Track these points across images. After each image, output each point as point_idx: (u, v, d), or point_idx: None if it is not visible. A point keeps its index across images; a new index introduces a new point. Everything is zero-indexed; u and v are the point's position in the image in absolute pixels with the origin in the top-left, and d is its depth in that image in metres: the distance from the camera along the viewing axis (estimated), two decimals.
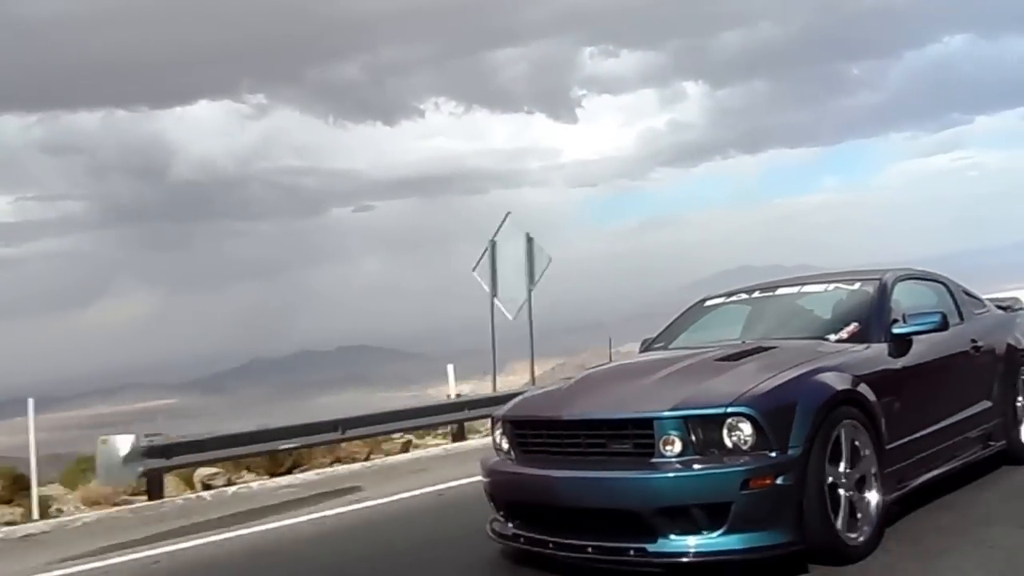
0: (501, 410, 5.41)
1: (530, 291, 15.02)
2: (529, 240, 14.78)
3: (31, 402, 10.15)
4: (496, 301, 15.18)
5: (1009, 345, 6.50)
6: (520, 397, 5.72)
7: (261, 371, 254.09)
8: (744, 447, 4.14)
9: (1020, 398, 6.46)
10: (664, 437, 4.27)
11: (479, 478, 5.41)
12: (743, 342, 5.56)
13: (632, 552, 4.25)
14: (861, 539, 4.44)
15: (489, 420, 5.76)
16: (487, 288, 15.07)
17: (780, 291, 6.48)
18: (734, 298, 6.69)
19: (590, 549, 4.41)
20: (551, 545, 4.61)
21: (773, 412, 4.21)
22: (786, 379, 4.46)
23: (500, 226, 14.97)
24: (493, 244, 14.91)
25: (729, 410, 4.21)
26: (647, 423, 4.34)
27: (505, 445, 5.13)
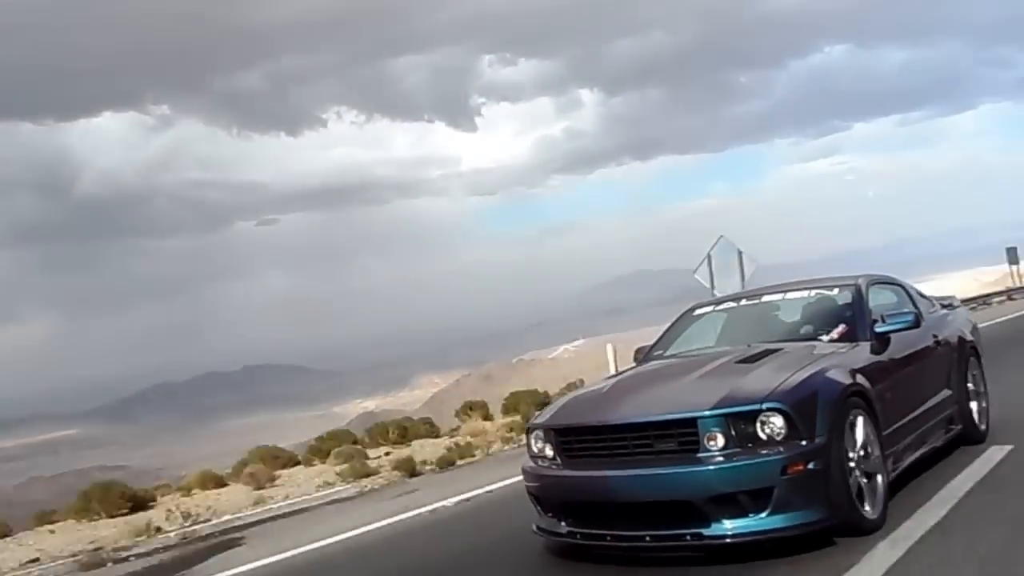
0: (539, 419, 5.92)
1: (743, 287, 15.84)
2: (739, 252, 16.20)
3: None
4: (715, 293, 15.73)
5: (960, 338, 7.29)
6: (556, 406, 6.07)
7: (166, 395, 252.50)
8: (778, 438, 4.65)
9: (970, 384, 7.13)
10: (707, 433, 4.73)
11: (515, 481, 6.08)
12: (748, 346, 5.94)
13: (689, 537, 4.71)
14: (875, 514, 4.96)
15: (525, 430, 6.26)
16: (708, 286, 16.11)
17: (766, 298, 7.05)
18: (722, 306, 7.27)
19: (648, 538, 4.86)
20: (608, 538, 5.08)
21: (800, 405, 4.72)
22: (805, 376, 4.99)
23: (715, 244, 16.43)
24: (709, 257, 16.32)
25: (764, 406, 4.70)
26: (691, 422, 4.79)
27: (549, 452, 5.46)
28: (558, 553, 5.49)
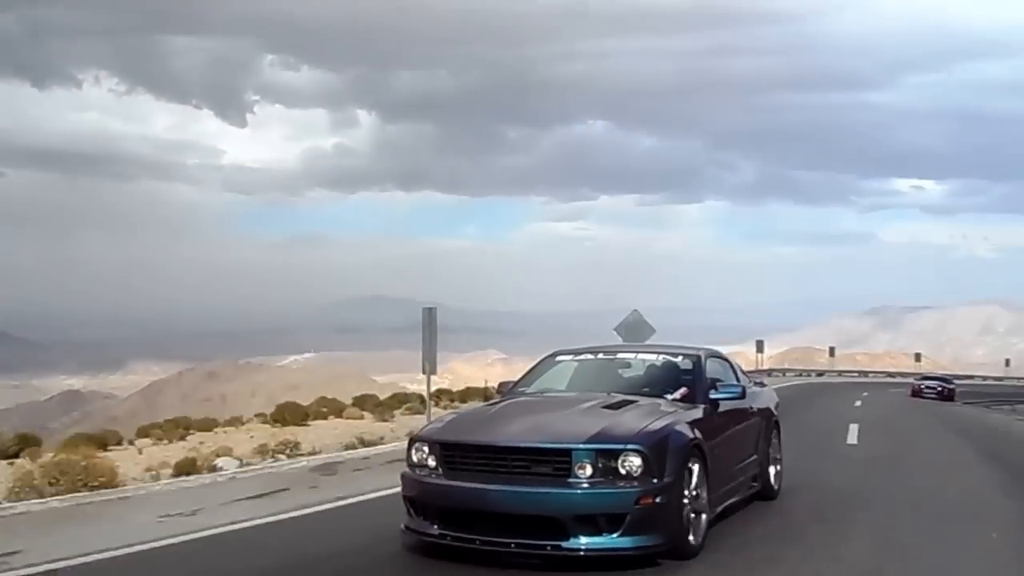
0: (425, 433, 6.47)
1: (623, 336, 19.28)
2: (636, 313, 19.50)
3: None
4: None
5: (768, 412, 8.52)
6: (442, 422, 6.73)
7: None
8: (635, 474, 5.48)
9: (771, 452, 8.35)
10: (579, 463, 5.53)
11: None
12: (609, 394, 6.73)
13: (549, 548, 5.48)
14: (698, 542, 5.95)
15: (408, 441, 6.50)
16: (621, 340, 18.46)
17: (620, 355, 8.15)
18: (581, 356, 7.99)
19: (513, 545, 5.54)
20: (478, 542, 5.65)
21: (655, 449, 5.60)
22: (660, 426, 5.90)
23: (631, 313, 19.71)
24: (627, 321, 19.75)
25: (627, 447, 5.55)
26: (567, 452, 5.60)
27: (432, 463, 6.03)
28: (425, 552, 6.00)
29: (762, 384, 9.20)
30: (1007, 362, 71.58)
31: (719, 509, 6.58)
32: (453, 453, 6.02)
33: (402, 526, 6.22)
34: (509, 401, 7.08)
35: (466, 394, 28.59)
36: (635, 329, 19.63)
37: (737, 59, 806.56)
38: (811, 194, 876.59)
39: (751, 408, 7.93)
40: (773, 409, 8.79)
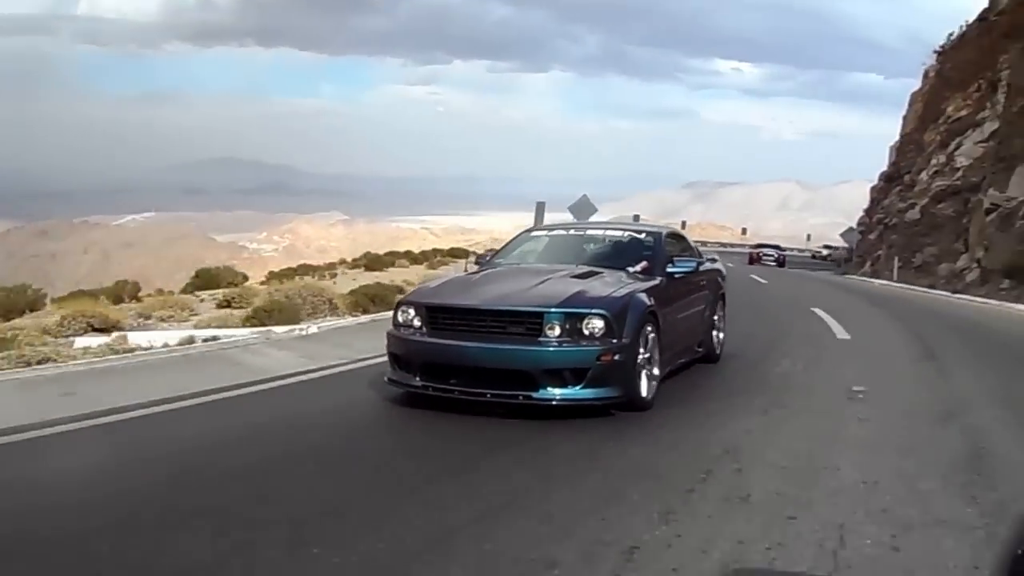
0: (412, 297, 6.99)
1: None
2: (584, 196, 23.41)
3: None
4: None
5: (716, 284, 9.17)
6: (429, 288, 7.25)
7: None
8: (597, 335, 6.02)
9: (716, 319, 8.96)
10: (548, 324, 6.05)
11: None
12: (577, 266, 7.33)
13: (521, 397, 5.97)
14: (649, 397, 6.43)
15: (396, 303, 6.99)
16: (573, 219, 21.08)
17: (589, 231, 8.82)
18: (554, 232, 8.91)
19: (488, 395, 6.02)
20: (456, 392, 6.14)
21: (617, 314, 6.12)
22: (621, 294, 6.42)
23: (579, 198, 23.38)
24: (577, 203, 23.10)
25: (592, 311, 6.08)
26: (539, 315, 6.10)
27: (417, 323, 6.53)
28: (408, 402, 6.42)
29: (714, 260, 9.85)
30: (808, 237, 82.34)
31: (668, 369, 7.17)
32: (437, 314, 6.55)
33: (386, 378, 6.73)
34: (488, 271, 7.69)
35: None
36: (582, 209, 23.70)
37: None
38: (645, 69, 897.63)
39: (702, 282, 8.62)
40: (720, 282, 9.56)
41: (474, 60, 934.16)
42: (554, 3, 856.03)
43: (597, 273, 7.13)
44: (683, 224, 58.70)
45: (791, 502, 4.28)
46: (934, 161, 35.78)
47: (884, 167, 46.23)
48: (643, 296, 6.66)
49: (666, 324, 6.92)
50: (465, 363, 6.22)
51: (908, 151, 40.74)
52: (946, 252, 29.94)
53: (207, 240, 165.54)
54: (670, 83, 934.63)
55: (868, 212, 46.24)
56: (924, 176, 36.24)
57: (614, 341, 6.10)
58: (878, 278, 33.38)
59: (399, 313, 6.78)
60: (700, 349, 8.51)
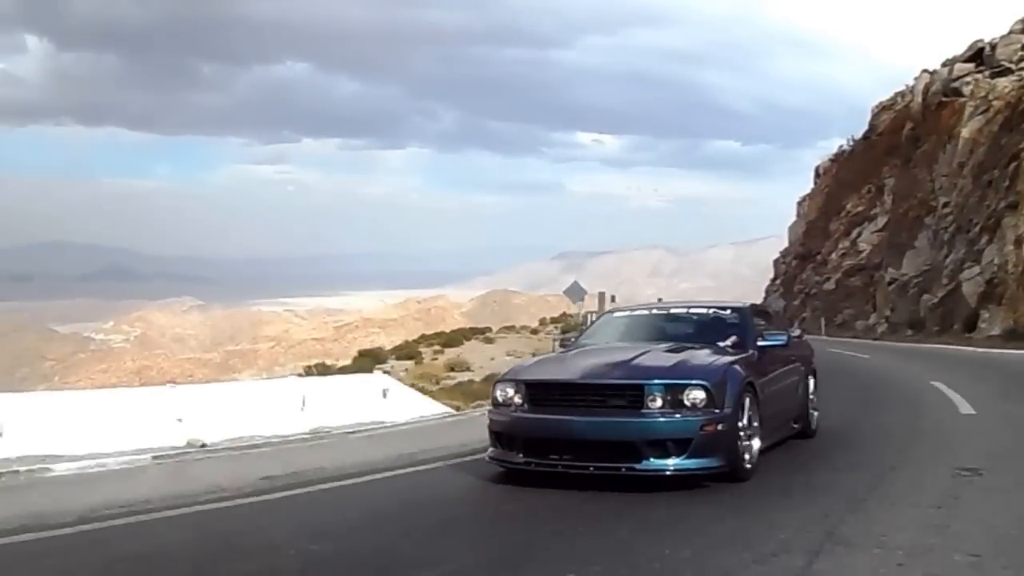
0: (510, 375, 7.25)
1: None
2: (575, 283, 30.34)
3: None
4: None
5: (807, 359, 9.22)
6: (524, 366, 7.68)
7: None
8: (699, 405, 6.22)
9: (811, 396, 9.00)
10: (650, 396, 6.26)
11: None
12: (666, 343, 7.52)
13: (624, 469, 6.18)
14: (751, 467, 6.58)
15: (495, 382, 7.41)
16: (573, 304, 29.56)
17: (673, 310, 8.96)
18: (636, 312, 9.06)
19: (592, 468, 6.27)
20: (559, 467, 6.39)
21: (716, 385, 6.33)
22: (719, 365, 6.68)
23: (572, 283, 30.04)
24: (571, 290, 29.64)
25: (693, 381, 6.30)
26: (640, 387, 6.34)
27: (518, 400, 6.79)
28: (511, 479, 6.67)
29: (800, 336, 9.84)
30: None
31: (768, 443, 7.19)
32: (537, 391, 6.82)
33: (487, 457, 7.04)
34: (580, 349, 7.97)
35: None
36: (574, 293, 28.46)
37: (432, 10, 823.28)
38: (506, 144, 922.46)
39: (793, 356, 8.63)
40: (811, 358, 9.52)
41: (324, 138, 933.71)
42: (405, 79, 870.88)
43: (690, 348, 7.28)
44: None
45: None
46: (841, 245, 47.16)
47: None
48: (740, 367, 6.85)
49: (763, 396, 7.03)
50: (568, 437, 6.44)
51: (814, 235, 52.95)
52: (859, 312, 41.65)
53: (47, 331, 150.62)
54: (533, 156, 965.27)
55: (783, 283, 58.52)
56: (834, 256, 47.71)
57: (716, 411, 6.29)
58: (808, 335, 42.02)
59: (498, 391, 7.04)
60: (796, 425, 8.56)
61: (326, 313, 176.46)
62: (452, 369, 32.47)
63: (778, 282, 61.21)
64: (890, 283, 37.19)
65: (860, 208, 46.32)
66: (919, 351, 23.69)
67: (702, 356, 7.00)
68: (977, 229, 28.82)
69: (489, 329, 54.88)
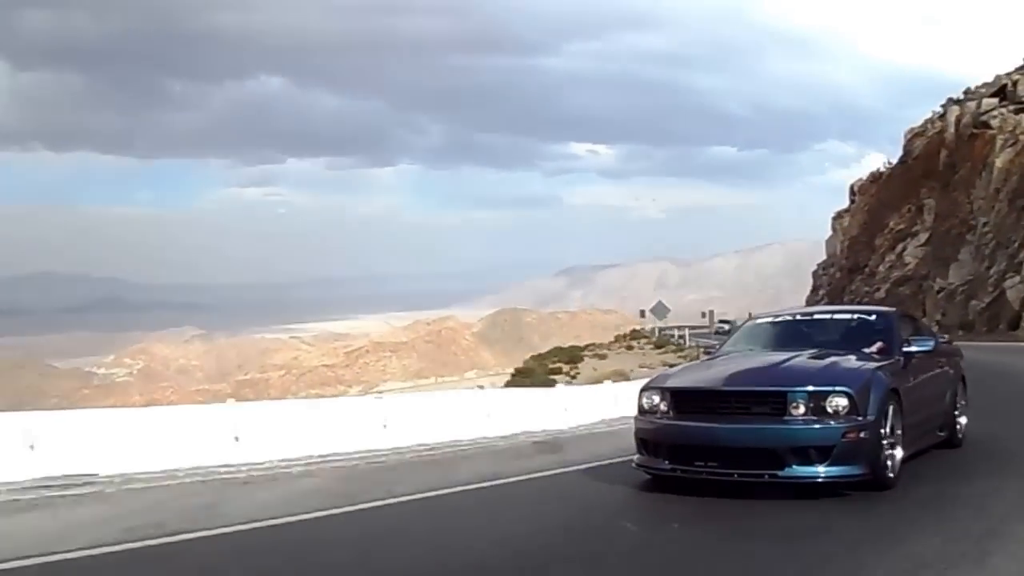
0: (653, 382, 7.49)
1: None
2: (659, 302, 40.14)
3: None
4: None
5: (956, 365, 9.11)
6: (670, 374, 7.91)
7: None
8: (841, 412, 6.30)
9: (959, 402, 8.82)
10: (793, 403, 6.37)
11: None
12: (810, 349, 7.48)
13: (767, 476, 6.33)
14: (893, 476, 6.63)
15: (640, 389, 7.46)
16: (658, 321, 43.22)
17: (817, 316, 9.16)
18: (780, 319, 8.98)
19: (736, 475, 6.45)
20: (704, 473, 6.61)
21: (859, 392, 6.39)
22: (864, 372, 6.75)
23: (656, 302, 40.54)
24: (655, 307, 40.64)
25: (836, 388, 6.40)
26: (783, 395, 6.45)
27: (664, 407, 7.00)
28: (657, 486, 7.00)
29: (949, 341, 9.76)
30: (703, 314, 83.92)
31: (911, 451, 7.15)
32: (682, 398, 6.98)
33: (634, 463, 7.27)
34: (723, 356, 8.04)
35: None
36: (659, 311, 32.73)
37: (412, 17, 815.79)
38: (499, 158, 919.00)
39: (940, 362, 8.58)
40: (960, 365, 9.36)
41: (310, 157, 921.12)
42: (387, 92, 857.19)
43: (834, 354, 7.25)
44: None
45: None
46: (887, 258, 51.40)
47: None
48: (884, 374, 6.86)
49: (908, 403, 7.04)
50: (712, 444, 6.62)
51: (859, 249, 57.77)
52: None
53: (46, 368, 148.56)
54: (527, 170, 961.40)
55: (828, 294, 61.07)
56: (882, 268, 51.63)
57: (858, 419, 6.36)
58: None
59: (643, 399, 7.27)
60: (942, 433, 8.40)
61: (333, 338, 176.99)
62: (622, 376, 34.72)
63: (822, 292, 64.06)
64: (939, 291, 41.35)
65: (902, 225, 51.01)
66: (986, 346, 24.65)
67: (846, 363, 7.02)
68: (1016, 245, 34.44)
69: (592, 346, 60.67)
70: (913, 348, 7.65)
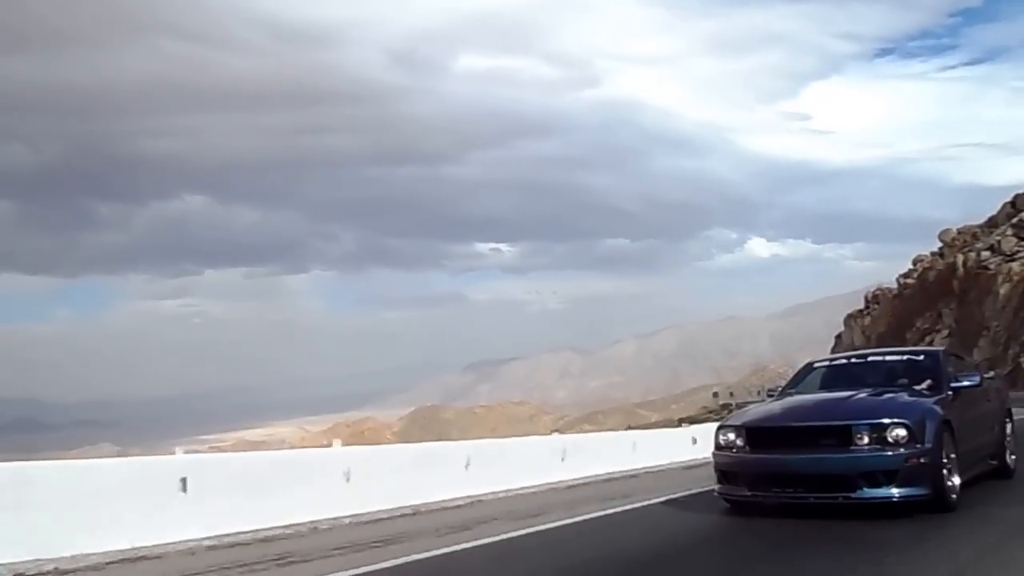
0: (729, 421, 8.05)
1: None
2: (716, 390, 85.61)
3: None
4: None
5: (1002, 400, 9.56)
6: (744, 415, 8.28)
7: None
8: (901, 441, 6.76)
9: (1007, 435, 9.27)
10: (858, 434, 6.87)
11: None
12: (875, 388, 7.93)
13: (841, 498, 6.85)
14: (955, 498, 7.06)
15: (717, 427, 8.10)
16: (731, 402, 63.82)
17: (870, 358, 9.50)
18: (836, 362, 9.80)
19: (812, 499, 7.00)
20: (784, 498, 7.17)
21: (918, 422, 6.89)
22: (919, 406, 7.27)
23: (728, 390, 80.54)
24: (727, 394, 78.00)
25: (896, 420, 6.87)
26: (848, 428, 6.98)
27: (740, 443, 7.51)
28: (737, 511, 7.66)
29: (993, 378, 10.04)
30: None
31: (966, 477, 7.56)
32: (758, 435, 7.58)
33: (715, 492, 7.95)
34: (788, 398, 8.53)
35: None
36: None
37: (326, 136, 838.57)
38: (407, 260, 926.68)
39: (987, 396, 9.05)
40: (1007, 398, 10.00)
41: (228, 268, 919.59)
42: (303, 205, 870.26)
43: (889, 391, 7.88)
44: None
45: None
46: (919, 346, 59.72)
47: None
48: (936, 407, 7.37)
49: (960, 433, 7.53)
50: (787, 472, 7.20)
51: (888, 343, 62.75)
52: None
53: None
54: (434, 270, 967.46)
55: None
56: None
57: (918, 446, 6.85)
58: None
59: (720, 436, 7.83)
60: (994, 462, 8.96)
61: (251, 447, 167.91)
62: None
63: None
64: None
65: (927, 325, 63.71)
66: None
67: (902, 398, 7.61)
68: (1022, 339, 49.74)
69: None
70: (960, 384, 8.04)
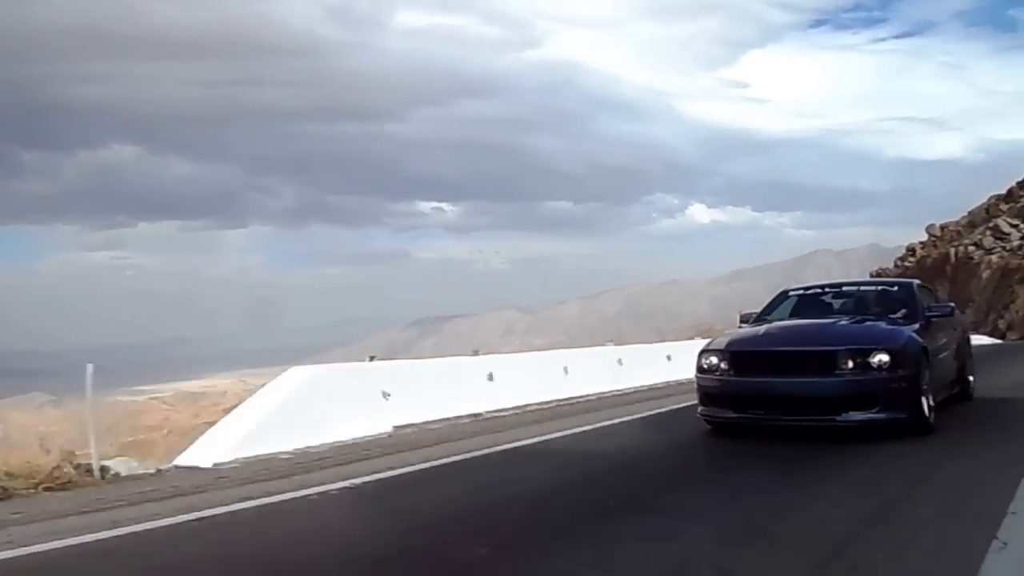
0: (712, 346, 8.12)
1: None
2: None
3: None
4: None
5: (964, 330, 10.30)
6: (726, 339, 8.26)
7: None
8: (884, 367, 6.97)
9: (968, 362, 9.84)
10: (842, 360, 7.07)
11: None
12: (855, 316, 8.33)
13: (824, 421, 7.06)
14: (931, 421, 7.34)
15: (700, 351, 8.16)
16: None
17: (845, 288, 9.73)
18: (811, 291, 9.74)
19: (795, 421, 7.21)
20: (769, 420, 7.35)
21: (899, 349, 7.15)
22: (901, 333, 7.56)
23: None
24: None
25: (879, 346, 7.10)
26: (833, 353, 7.16)
27: (724, 366, 7.69)
28: (721, 431, 7.91)
29: (956, 308, 10.22)
30: None
31: (937, 400, 7.90)
32: (741, 359, 7.77)
33: (698, 413, 8.15)
34: (768, 325, 8.62)
35: None
36: None
37: (264, 89, 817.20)
38: (349, 217, 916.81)
39: (954, 326, 9.54)
40: (967, 328, 10.61)
41: (162, 221, 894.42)
42: (240, 158, 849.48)
43: (869, 319, 8.28)
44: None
45: None
46: None
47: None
48: (915, 335, 7.77)
49: (933, 360, 7.98)
50: (772, 395, 7.42)
51: None
52: None
53: None
54: (376, 227, 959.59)
55: None
56: None
57: (899, 371, 7.16)
58: None
59: (703, 360, 8.04)
60: (956, 387, 9.42)
61: (192, 398, 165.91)
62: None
63: None
64: None
65: None
66: (988, 343, 34.26)
67: (883, 325, 7.96)
68: (1000, 308, 58.31)
69: None
70: (934, 313, 8.54)
